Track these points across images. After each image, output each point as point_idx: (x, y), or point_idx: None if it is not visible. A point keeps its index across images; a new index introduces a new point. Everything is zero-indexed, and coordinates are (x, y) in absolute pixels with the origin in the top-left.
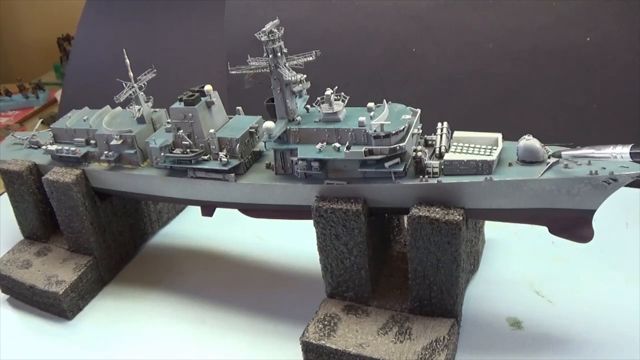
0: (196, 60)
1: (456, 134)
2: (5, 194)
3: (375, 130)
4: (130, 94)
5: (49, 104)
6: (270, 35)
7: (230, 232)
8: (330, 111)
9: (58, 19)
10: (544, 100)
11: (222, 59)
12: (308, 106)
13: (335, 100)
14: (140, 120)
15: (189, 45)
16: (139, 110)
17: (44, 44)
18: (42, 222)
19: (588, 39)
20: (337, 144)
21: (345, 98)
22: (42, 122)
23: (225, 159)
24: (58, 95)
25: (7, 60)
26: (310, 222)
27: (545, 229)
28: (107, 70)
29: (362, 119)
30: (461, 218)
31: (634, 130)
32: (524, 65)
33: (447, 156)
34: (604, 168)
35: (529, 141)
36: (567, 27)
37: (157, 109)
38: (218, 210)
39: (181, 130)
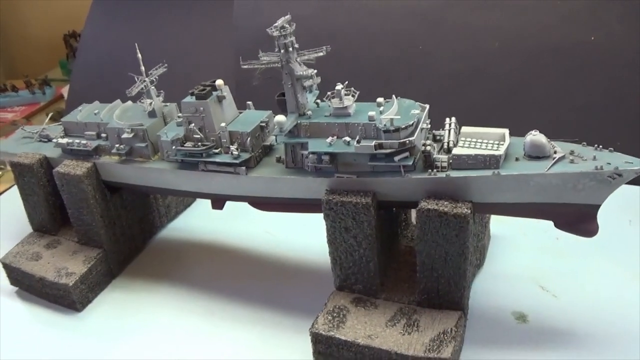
0: (204, 56)
1: (464, 129)
2: (15, 186)
3: (385, 125)
4: (142, 88)
5: (55, 100)
6: (282, 30)
7: (239, 225)
8: (341, 106)
9: (64, 16)
10: (549, 98)
11: (231, 56)
12: (318, 101)
13: (345, 95)
14: (152, 113)
15: (197, 41)
16: (150, 104)
17: (50, 41)
18: (51, 215)
19: (592, 38)
20: (347, 138)
21: (355, 93)
22: (50, 118)
23: (236, 152)
24: (64, 91)
25: (13, 57)
26: (319, 216)
27: (550, 224)
28: (115, 67)
29: (372, 113)
30: (469, 211)
31: (637, 128)
32: (530, 64)
33: (455, 151)
34: (609, 163)
35: (535, 136)
36: (572, 26)
37: (167, 103)
38: (227, 203)
39: (192, 124)
